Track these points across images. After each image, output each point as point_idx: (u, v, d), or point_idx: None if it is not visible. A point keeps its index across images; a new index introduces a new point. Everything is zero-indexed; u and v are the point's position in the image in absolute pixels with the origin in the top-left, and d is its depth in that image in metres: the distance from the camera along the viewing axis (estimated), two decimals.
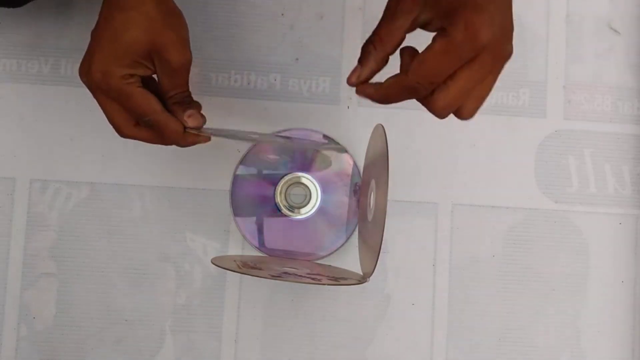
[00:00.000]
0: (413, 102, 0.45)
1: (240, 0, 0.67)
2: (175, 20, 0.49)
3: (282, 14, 0.67)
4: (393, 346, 0.65)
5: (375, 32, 0.44)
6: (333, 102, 0.66)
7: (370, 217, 0.56)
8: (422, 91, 0.42)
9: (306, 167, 0.65)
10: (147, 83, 0.50)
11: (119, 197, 0.65)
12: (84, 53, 0.65)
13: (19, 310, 0.64)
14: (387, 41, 0.43)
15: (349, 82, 0.45)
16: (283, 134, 0.49)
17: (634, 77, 0.68)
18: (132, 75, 0.48)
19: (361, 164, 0.65)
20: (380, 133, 0.51)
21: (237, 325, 0.64)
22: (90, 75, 0.48)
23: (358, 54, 0.67)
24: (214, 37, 0.66)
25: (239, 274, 0.64)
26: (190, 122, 0.51)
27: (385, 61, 0.44)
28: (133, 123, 0.50)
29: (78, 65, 0.65)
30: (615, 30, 0.68)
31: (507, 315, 0.65)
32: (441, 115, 0.44)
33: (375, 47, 0.44)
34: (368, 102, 0.66)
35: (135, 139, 0.51)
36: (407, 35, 0.44)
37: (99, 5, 0.66)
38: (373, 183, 0.56)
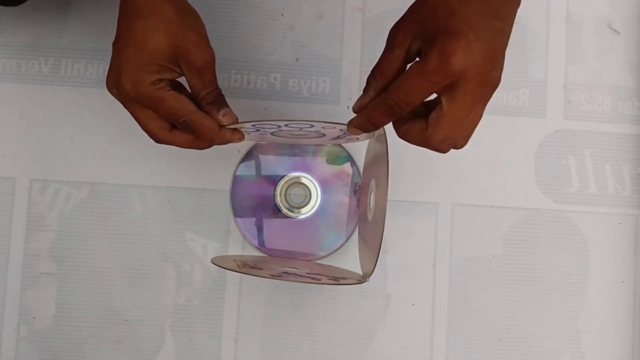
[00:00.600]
0: None
1: (240, 0, 0.67)
2: (192, 19, 0.50)
3: (282, 14, 0.67)
4: (393, 346, 0.65)
5: (376, 65, 0.46)
6: (333, 102, 0.66)
7: (370, 217, 0.56)
8: (398, 110, 0.44)
9: (306, 167, 0.65)
10: (177, 89, 0.50)
11: (119, 197, 0.65)
12: (84, 53, 0.66)
13: (19, 310, 0.64)
14: (386, 71, 0.45)
15: (353, 109, 0.48)
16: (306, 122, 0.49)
17: (634, 77, 0.68)
18: (161, 80, 0.48)
19: (361, 164, 0.65)
20: (380, 133, 0.52)
21: (237, 325, 0.64)
22: (121, 86, 0.48)
23: (358, 54, 0.67)
24: (214, 37, 0.65)
25: (239, 274, 0.64)
26: (226, 121, 0.51)
27: (385, 90, 0.46)
28: (168, 128, 0.50)
29: (78, 65, 0.66)
30: (615, 30, 0.68)
31: (507, 315, 0.65)
32: (441, 149, 0.45)
33: (375, 78, 0.46)
34: None
35: (170, 144, 0.52)
36: None
37: (99, 5, 0.66)
38: (373, 183, 0.56)
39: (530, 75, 0.67)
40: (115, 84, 0.49)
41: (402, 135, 0.47)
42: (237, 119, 0.51)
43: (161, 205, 0.65)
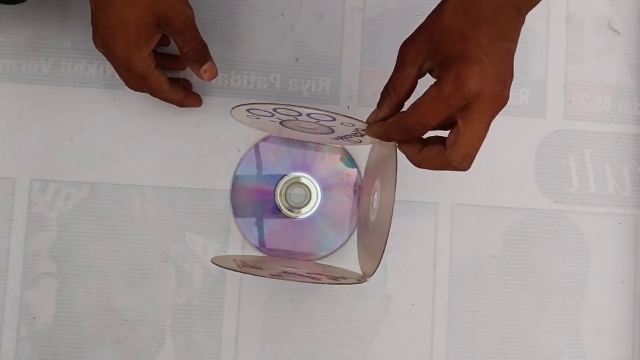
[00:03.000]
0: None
1: (240, 0, 0.67)
2: None
3: (282, 14, 0.67)
4: (393, 346, 0.65)
5: (390, 81, 0.48)
6: (333, 102, 0.66)
7: (373, 217, 0.56)
8: (415, 132, 0.46)
9: (306, 167, 0.65)
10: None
11: (119, 197, 0.65)
12: (84, 53, 0.66)
13: (19, 310, 0.64)
14: (399, 88, 0.47)
15: (367, 120, 0.50)
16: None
17: (634, 77, 0.68)
18: (149, 56, 0.56)
19: (361, 164, 0.65)
20: None
21: (237, 325, 0.64)
22: (111, 55, 0.55)
23: (358, 54, 0.67)
24: (214, 37, 0.66)
25: (239, 274, 0.64)
26: (206, 77, 0.60)
27: (399, 106, 0.48)
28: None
29: (78, 65, 0.66)
30: (615, 30, 0.68)
31: (507, 315, 0.65)
32: (462, 167, 0.46)
33: (389, 94, 0.48)
34: (369, 102, 0.66)
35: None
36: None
37: None
38: (377, 183, 0.56)
39: (530, 75, 0.67)
40: (104, 50, 0.55)
41: (418, 163, 0.48)
42: (216, 73, 0.60)
43: (161, 205, 0.65)
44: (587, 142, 0.67)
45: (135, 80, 0.58)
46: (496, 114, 0.45)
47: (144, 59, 0.55)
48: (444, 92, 0.43)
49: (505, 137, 0.67)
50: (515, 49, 0.45)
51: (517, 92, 0.67)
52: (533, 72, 0.67)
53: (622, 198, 0.67)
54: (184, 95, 0.62)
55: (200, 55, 0.58)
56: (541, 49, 0.68)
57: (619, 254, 0.66)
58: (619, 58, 0.68)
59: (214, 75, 0.60)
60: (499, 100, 0.44)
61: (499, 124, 0.66)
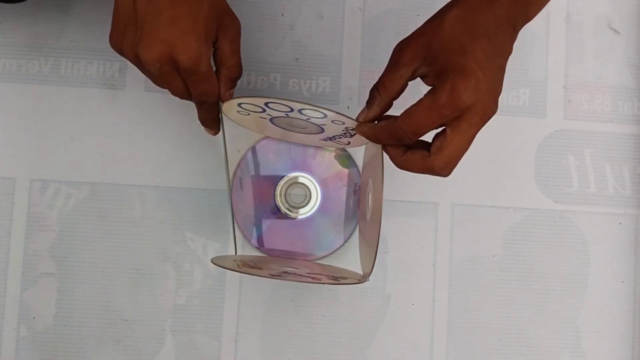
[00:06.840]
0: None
1: (240, 1, 0.67)
2: None
3: (282, 14, 0.67)
4: (393, 346, 0.65)
5: (380, 80, 0.48)
6: (333, 102, 0.66)
7: (368, 216, 0.56)
8: (406, 139, 0.47)
9: (306, 167, 0.65)
10: None
11: (119, 197, 0.65)
12: (84, 53, 0.65)
13: (19, 310, 0.64)
14: (390, 88, 0.47)
15: (357, 119, 0.50)
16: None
17: (634, 77, 0.68)
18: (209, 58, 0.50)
19: (361, 164, 0.65)
20: None
21: (237, 325, 0.64)
22: (173, 58, 0.47)
23: (358, 54, 0.67)
24: None
25: (239, 274, 0.64)
26: (225, 98, 0.53)
27: (389, 106, 0.49)
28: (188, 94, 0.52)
29: (78, 65, 0.66)
30: (615, 30, 0.68)
31: (507, 315, 0.65)
32: (444, 174, 0.48)
33: (379, 94, 0.48)
34: None
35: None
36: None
37: (99, 5, 0.66)
38: (371, 182, 0.56)
39: (530, 75, 0.67)
40: (167, 56, 0.47)
41: (400, 165, 0.49)
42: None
43: (161, 205, 0.65)
44: (587, 142, 0.67)
45: (181, 81, 0.50)
46: (482, 125, 0.46)
47: (209, 59, 0.49)
48: (439, 102, 0.44)
49: (505, 137, 0.67)
50: (506, 65, 0.46)
51: (517, 92, 0.67)
52: (533, 72, 0.67)
53: (622, 198, 0.67)
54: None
55: (239, 74, 0.54)
56: (541, 49, 0.68)
57: (619, 254, 0.66)
58: (619, 58, 0.68)
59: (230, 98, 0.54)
60: (488, 114, 0.46)
61: (499, 124, 0.67)
